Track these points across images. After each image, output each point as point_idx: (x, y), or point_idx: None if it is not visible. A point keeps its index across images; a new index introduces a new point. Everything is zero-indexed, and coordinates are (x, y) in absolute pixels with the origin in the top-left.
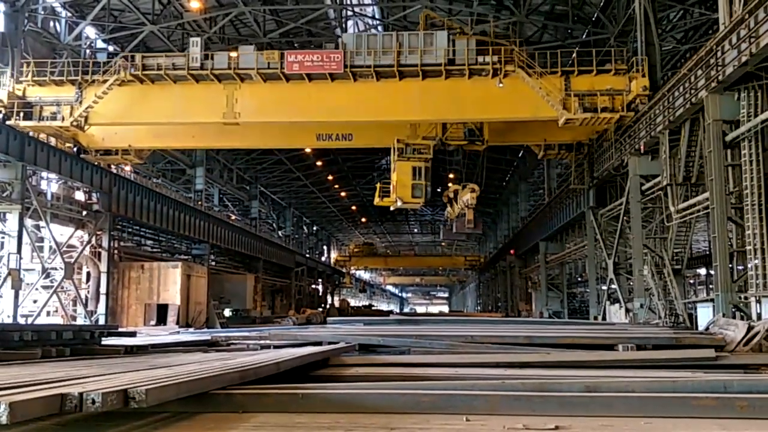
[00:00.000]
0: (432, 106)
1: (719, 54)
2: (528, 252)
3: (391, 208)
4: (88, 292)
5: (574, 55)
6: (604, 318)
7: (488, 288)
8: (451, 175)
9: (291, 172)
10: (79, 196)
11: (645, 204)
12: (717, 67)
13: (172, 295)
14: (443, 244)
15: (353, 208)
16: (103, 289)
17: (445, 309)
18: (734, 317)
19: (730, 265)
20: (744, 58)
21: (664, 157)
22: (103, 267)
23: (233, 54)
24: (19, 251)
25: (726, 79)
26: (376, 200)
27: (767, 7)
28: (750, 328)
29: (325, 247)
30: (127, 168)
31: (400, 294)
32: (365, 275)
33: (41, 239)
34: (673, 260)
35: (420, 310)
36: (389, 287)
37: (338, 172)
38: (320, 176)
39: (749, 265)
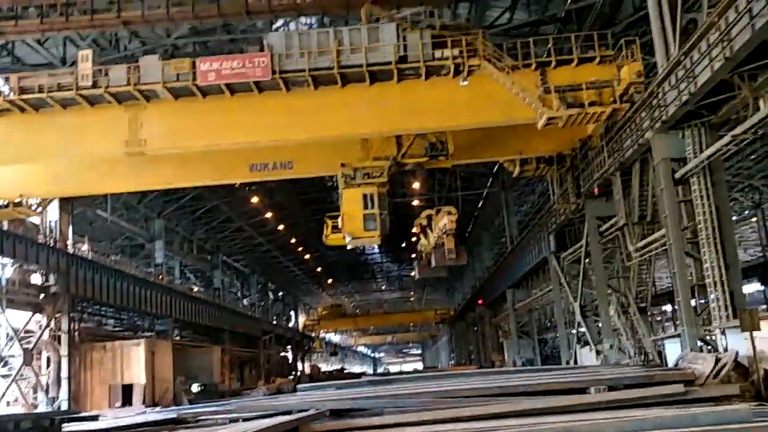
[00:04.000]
0: (384, 116)
1: (661, 95)
2: (496, 301)
3: (348, 247)
4: (49, 377)
5: (550, 44)
6: (576, 362)
7: (460, 341)
8: (415, 229)
9: (252, 238)
10: (36, 278)
11: (605, 245)
12: (660, 108)
13: (137, 375)
14: (412, 299)
15: (318, 269)
16: (64, 374)
17: (420, 366)
18: (702, 351)
19: (693, 300)
20: (684, 98)
21: (618, 198)
22: (64, 350)
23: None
24: None
25: (669, 119)
26: (325, 238)
27: (701, 48)
28: (717, 361)
29: (292, 313)
30: (84, 247)
31: (372, 354)
32: (336, 338)
33: None
34: (637, 299)
35: (394, 369)
36: (361, 348)
37: (302, 234)
38: (282, 240)
39: (710, 298)
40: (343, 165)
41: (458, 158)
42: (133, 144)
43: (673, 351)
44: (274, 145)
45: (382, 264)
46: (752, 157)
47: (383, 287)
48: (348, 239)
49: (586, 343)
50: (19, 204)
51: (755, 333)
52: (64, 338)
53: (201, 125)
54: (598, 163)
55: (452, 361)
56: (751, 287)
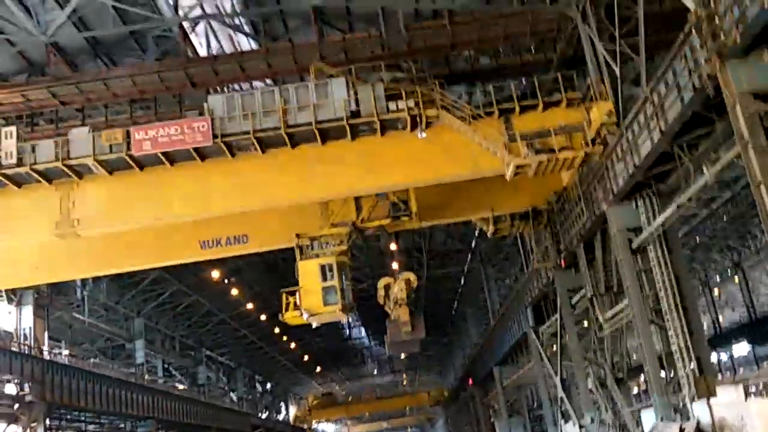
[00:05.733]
0: (339, 176)
1: (610, 167)
2: (485, 379)
3: (314, 325)
4: None
5: (512, 88)
6: None
7: (456, 422)
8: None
9: (236, 330)
10: (10, 388)
11: (578, 316)
12: (610, 181)
13: None
14: (405, 383)
15: (306, 357)
16: None
17: None
18: (674, 420)
19: (663, 369)
20: (630, 170)
21: (584, 270)
22: None
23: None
24: None
25: (620, 191)
26: (282, 316)
27: (640, 122)
28: (681, 431)
29: (282, 404)
30: (64, 352)
31: None
32: (330, 427)
33: None
34: (614, 369)
35: None
36: None
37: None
38: (266, 330)
39: (677, 366)
40: (298, 236)
41: (425, 218)
42: (64, 225)
43: (649, 420)
44: (224, 217)
45: (370, 347)
46: (724, 219)
47: (374, 371)
48: (306, 317)
49: (570, 418)
50: None
51: (720, 399)
52: None
53: (139, 200)
54: (574, 216)
55: None
56: (741, 348)
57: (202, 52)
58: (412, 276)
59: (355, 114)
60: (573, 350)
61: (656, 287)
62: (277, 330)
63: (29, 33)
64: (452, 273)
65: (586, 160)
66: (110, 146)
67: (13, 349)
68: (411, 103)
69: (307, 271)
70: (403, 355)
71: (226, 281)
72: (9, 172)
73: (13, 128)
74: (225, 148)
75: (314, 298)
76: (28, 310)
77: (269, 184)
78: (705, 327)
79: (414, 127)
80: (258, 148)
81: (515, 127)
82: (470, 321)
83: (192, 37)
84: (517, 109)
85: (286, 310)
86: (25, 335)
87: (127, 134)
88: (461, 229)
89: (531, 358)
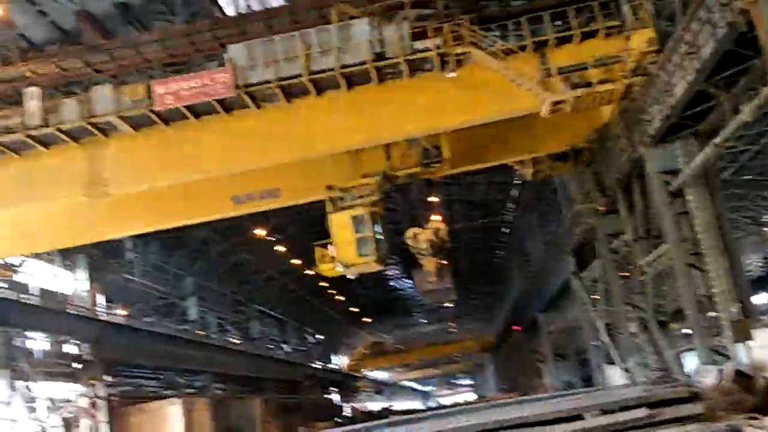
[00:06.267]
0: (365, 123)
1: (645, 108)
2: (531, 325)
3: (350, 276)
4: None
5: (547, 17)
6: (603, 382)
7: (503, 368)
8: None
9: (284, 285)
10: (70, 348)
11: (619, 261)
12: (645, 122)
13: None
14: (454, 330)
15: (354, 309)
16: None
17: (472, 396)
18: (715, 363)
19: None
20: (666, 111)
21: (624, 213)
22: (102, 417)
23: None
24: (10, 418)
25: (656, 133)
26: (316, 268)
27: (674, 61)
28: (720, 373)
29: (333, 355)
30: (121, 312)
31: (422, 388)
32: (383, 375)
33: (33, 399)
34: (657, 313)
35: (445, 401)
36: (410, 383)
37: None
38: (313, 284)
39: (719, 309)
40: (329, 187)
41: (458, 164)
42: (94, 186)
43: (692, 364)
44: (255, 170)
45: (416, 297)
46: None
47: (421, 320)
48: (341, 268)
49: (613, 362)
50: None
51: (760, 342)
52: (101, 405)
53: (167, 157)
54: (614, 155)
55: (498, 390)
56: (761, 298)
57: (230, 11)
58: (440, 225)
59: (380, 56)
60: (615, 295)
61: (695, 230)
62: (323, 284)
63: (59, 2)
64: (495, 223)
65: (627, 94)
66: (133, 101)
67: (70, 311)
68: (439, 41)
69: (340, 223)
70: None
71: (272, 238)
72: (35, 132)
73: (37, 89)
74: (249, 99)
75: (348, 250)
76: (82, 274)
77: (296, 135)
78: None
79: (443, 67)
80: (282, 97)
81: (551, 61)
82: (514, 269)
83: None
84: (553, 42)
85: (322, 262)
86: (81, 298)
87: (149, 89)
88: (502, 178)
89: (575, 304)
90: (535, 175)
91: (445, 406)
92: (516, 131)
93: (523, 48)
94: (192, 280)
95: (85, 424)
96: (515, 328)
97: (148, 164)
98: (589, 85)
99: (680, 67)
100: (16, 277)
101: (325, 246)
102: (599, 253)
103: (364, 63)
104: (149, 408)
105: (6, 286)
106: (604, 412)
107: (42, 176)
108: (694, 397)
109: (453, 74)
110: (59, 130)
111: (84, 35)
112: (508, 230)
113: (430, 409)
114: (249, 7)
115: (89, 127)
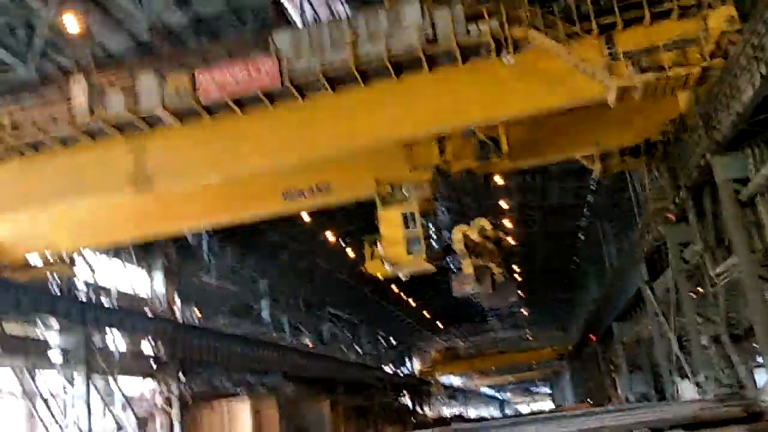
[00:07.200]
0: (416, 114)
1: (712, 112)
2: (606, 334)
3: (402, 276)
4: None
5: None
6: (674, 396)
7: (579, 378)
8: None
9: (356, 289)
10: (146, 348)
11: (691, 271)
12: (714, 129)
13: None
14: (530, 338)
15: (427, 314)
16: None
17: (549, 405)
18: None
19: None
20: (733, 117)
21: (693, 222)
22: (176, 415)
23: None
24: (88, 414)
25: (724, 140)
26: (364, 266)
27: (741, 64)
28: None
29: (406, 359)
30: (197, 313)
31: (498, 395)
32: (457, 380)
33: (110, 395)
34: (730, 326)
35: (522, 409)
36: (486, 390)
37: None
38: (385, 289)
39: None
40: (377, 181)
41: (518, 158)
42: (139, 181)
43: (762, 380)
44: (303, 166)
45: None
46: None
47: (496, 326)
48: (389, 268)
49: (686, 376)
50: (55, 261)
51: None
52: (175, 402)
53: (213, 152)
54: (690, 150)
55: (575, 400)
56: None
57: (298, 20)
58: (486, 223)
59: (432, 41)
60: (686, 306)
61: (767, 241)
62: (395, 288)
63: (133, 14)
64: (569, 228)
65: (704, 79)
66: (177, 92)
67: (147, 312)
68: (495, 24)
69: (389, 219)
70: (524, 311)
71: (342, 243)
72: (80, 125)
73: (82, 77)
74: (295, 91)
75: (397, 249)
76: (158, 275)
77: (342, 127)
78: None
79: (499, 52)
80: (328, 87)
81: (618, 44)
82: (590, 277)
83: (289, 6)
84: (620, 23)
85: (371, 259)
86: (158, 299)
87: (192, 78)
88: (575, 182)
89: (648, 314)
90: (605, 171)
91: (512, 416)
92: (582, 123)
93: (588, 31)
94: (266, 283)
95: (159, 421)
96: (591, 336)
97: (194, 158)
98: (661, 69)
99: (746, 70)
100: (96, 278)
101: (375, 243)
102: (670, 263)
103: (414, 49)
104: (220, 406)
105: (85, 288)
106: (653, 431)
107: (88, 170)
108: (750, 417)
109: (510, 60)
110: (105, 121)
111: (157, 47)
112: (583, 237)
113: (494, 419)
114: (316, 15)
115: (132, 116)
